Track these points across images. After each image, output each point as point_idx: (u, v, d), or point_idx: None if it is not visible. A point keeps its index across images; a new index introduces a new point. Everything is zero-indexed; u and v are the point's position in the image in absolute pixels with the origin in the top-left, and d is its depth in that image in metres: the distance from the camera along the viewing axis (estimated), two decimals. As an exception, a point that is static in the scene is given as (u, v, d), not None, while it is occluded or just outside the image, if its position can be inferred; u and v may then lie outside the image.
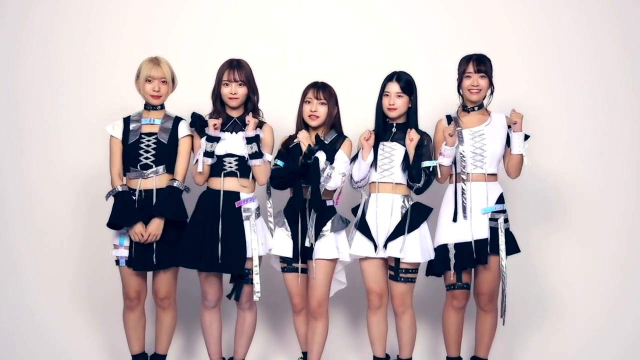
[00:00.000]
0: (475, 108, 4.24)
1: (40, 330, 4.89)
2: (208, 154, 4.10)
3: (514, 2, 5.10)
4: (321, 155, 4.09)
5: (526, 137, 4.26)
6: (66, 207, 5.07)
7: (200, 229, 4.10)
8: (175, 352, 4.74)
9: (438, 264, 4.17)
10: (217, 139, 4.10)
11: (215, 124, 4.08)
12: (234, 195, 4.13)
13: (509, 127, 4.20)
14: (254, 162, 4.10)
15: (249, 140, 4.08)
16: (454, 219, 4.13)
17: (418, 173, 4.10)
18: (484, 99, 4.24)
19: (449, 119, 4.25)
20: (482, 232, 4.12)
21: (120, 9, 5.10)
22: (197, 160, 4.14)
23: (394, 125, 4.21)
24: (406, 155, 4.14)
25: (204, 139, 4.12)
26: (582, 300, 4.95)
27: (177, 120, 4.21)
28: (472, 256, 4.10)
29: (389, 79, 4.20)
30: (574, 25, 5.06)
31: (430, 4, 5.13)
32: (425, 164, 4.12)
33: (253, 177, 4.17)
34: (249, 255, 4.10)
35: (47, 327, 4.90)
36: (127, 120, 4.22)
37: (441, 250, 4.16)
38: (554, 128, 5.00)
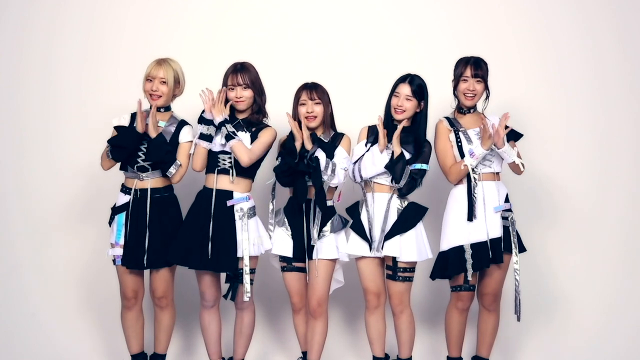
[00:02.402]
0: (471, 110, 4.24)
1: (40, 330, 4.89)
2: (204, 136, 4.09)
3: (513, 4, 5.11)
4: (321, 155, 4.10)
5: (519, 135, 4.27)
6: (66, 207, 5.07)
7: (192, 226, 4.12)
8: (175, 352, 4.74)
9: (453, 266, 4.12)
10: (211, 122, 4.07)
11: (212, 99, 4.06)
12: (226, 195, 4.12)
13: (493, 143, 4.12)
14: (230, 144, 4.05)
15: (219, 125, 4.06)
16: (470, 219, 4.12)
17: (400, 173, 4.04)
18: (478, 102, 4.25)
19: (449, 120, 4.26)
20: (496, 230, 4.13)
21: (122, 9, 5.11)
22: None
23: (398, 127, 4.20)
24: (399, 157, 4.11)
25: (199, 126, 4.10)
26: (584, 300, 4.96)
27: (182, 124, 4.21)
28: (489, 256, 4.09)
29: (402, 80, 4.17)
30: (572, 26, 5.07)
31: (430, 6, 5.15)
32: (416, 166, 4.10)
33: (247, 176, 4.16)
34: (239, 255, 4.09)
35: (47, 327, 4.91)
36: (134, 116, 4.20)
37: (456, 252, 4.13)
38: (553, 128, 5.01)
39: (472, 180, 4.12)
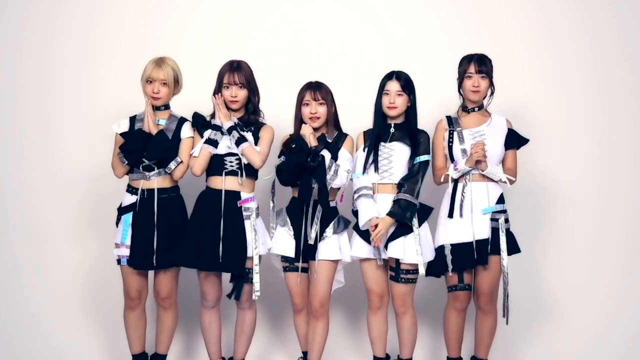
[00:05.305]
0: (476, 109, 4.24)
1: (40, 331, 4.89)
2: (210, 141, 4.10)
3: (513, 4, 5.11)
4: (326, 154, 4.09)
5: (525, 140, 4.28)
6: (66, 207, 5.07)
7: (200, 228, 4.11)
8: (176, 352, 4.74)
9: (438, 264, 4.16)
10: (219, 128, 4.10)
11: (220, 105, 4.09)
12: (235, 195, 4.13)
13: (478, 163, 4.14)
14: (241, 147, 4.07)
15: (229, 131, 4.08)
16: (450, 215, 4.13)
17: (410, 215, 4.09)
18: (484, 99, 4.25)
19: (449, 119, 4.26)
20: (483, 232, 4.12)
21: (122, 9, 5.11)
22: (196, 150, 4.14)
23: (392, 125, 4.22)
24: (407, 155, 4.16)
25: (208, 131, 4.11)
26: (581, 301, 4.96)
27: (182, 121, 4.22)
28: (473, 256, 4.10)
29: (389, 77, 4.19)
30: (572, 26, 5.07)
31: (430, 6, 5.15)
32: (420, 158, 4.13)
33: (252, 176, 4.18)
34: (249, 254, 4.10)
35: (47, 327, 4.90)
36: (133, 119, 4.23)
37: (441, 250, 4.16)
38: (553, 128, 5.01)
39: (462, 180, 4.13)
